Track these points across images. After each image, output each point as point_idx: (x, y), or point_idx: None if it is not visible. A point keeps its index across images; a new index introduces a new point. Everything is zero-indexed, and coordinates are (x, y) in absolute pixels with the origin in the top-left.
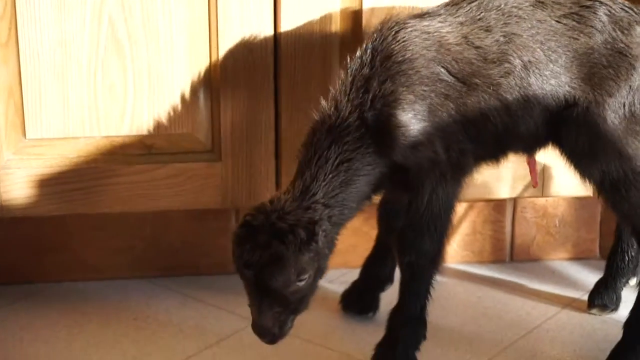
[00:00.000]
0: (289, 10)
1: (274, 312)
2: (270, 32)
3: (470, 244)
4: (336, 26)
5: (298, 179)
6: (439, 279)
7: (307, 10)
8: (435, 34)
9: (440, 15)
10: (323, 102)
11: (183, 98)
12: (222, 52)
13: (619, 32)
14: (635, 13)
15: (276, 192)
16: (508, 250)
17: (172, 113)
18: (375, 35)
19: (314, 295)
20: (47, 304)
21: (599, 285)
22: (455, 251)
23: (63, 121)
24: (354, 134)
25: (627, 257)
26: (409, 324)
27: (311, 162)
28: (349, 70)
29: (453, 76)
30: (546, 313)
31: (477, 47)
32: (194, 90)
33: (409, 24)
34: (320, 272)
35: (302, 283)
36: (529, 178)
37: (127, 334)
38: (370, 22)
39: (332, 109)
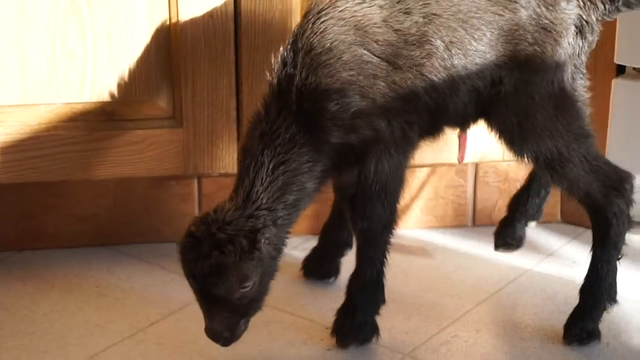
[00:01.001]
0: None
1: (223, 317)
2: None
3: (433, 208)
4: None
5: (239, 186)
6: (401, 243)
7: None
8: (351, 18)
9: None
10: (259, 107)
11: (143, 64)
12: (182, 17)
13: (543, 8)
14: None
15: (221, 201)
16: (470, 215)
17: (132, 79)
18: (295, 30)
19: (266, 296)
20: (8, 272)
21: (503, 224)
22: (418, 216)
23: (22, 88)
24: (284, 136)
25: (531, 201)
26: (366, 289)
27: (249, 169)
28: (273, 72)
29: (377, 57)
30: (507, 277)
31: (397, 30)
32: (154, 56)
33: (324, 13)
34: (268, 274)
35: (247, 289)
36: (491, 143)
37: (90, 301)
38: None
39: (263, 113)
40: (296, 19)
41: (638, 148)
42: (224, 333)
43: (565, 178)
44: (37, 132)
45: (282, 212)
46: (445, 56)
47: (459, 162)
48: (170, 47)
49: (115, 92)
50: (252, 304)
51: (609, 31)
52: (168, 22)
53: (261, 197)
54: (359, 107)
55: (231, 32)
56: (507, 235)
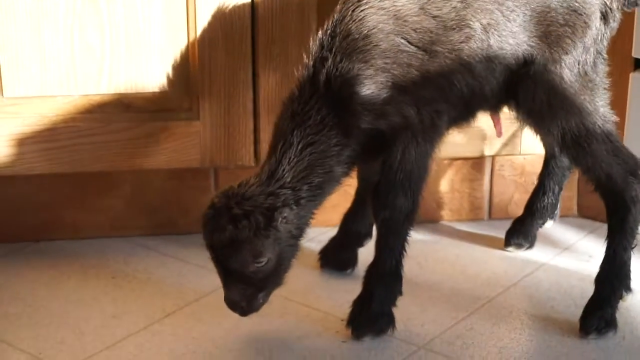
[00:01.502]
0: None
1: (239, 288)
2: None
3: (449, 202)
4: None
5: (266, 163)
6: (417, 237)
7: None
8: (391, 8)
9: None
10: (293, 87)
11: (161, 56)
12: (200, 9)
13: None
14: None
15: (247, 176)
16: (486, 209)
17: (150, 71)
18: (334, 15)
19: (286, 272)
20: (25, 263)
21: (515, 224)
22: (433, 209)
23: (40, 79)
24: (315, 117)
25: (547, 200)
26: (384, 280)
27: (277, 147)
28: (310, 54)
29: (414, 45)
30: (523, 270)
31: (435, 17)
32: (172, 48)
33: (365, 1)
34: (288, 252)
35: (261, 265)
36: (507, 136)
37: (106, 292)
38: None
39: (297, 93)
40: (313, 11)
41: None
42: (240, 303)
43: (591, 155)
44: (55, 124)
45: (306, 193)
46: (483, 37)
47: (498, 137)
48: (187, 40)
49: (133, 84)
50: (269, 279)
51: (627, 25)
52: (185, 15)
53: (285, 175)
54: (390, 94)
55: (248, 25)
56: (521, 236)
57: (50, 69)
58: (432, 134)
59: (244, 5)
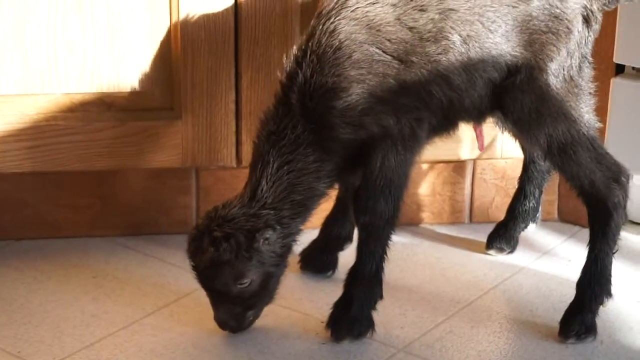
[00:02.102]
0: None
1: (227, 308)
2: None
3: (430, 205)
4: None
5: (248, 183)
6: (398, 239)
7: None
8: (363, 18)
9: None
10: (270, 105)
11: (143, 56)
12: (183, 9)
13: None
14: None
15: (231, 197)
16: (467, 212)
17: (132, 71)
18: (309, 29)
19: (276, 290)
20: (5, 261)
21: (498, 228)
22: (414, 212)
23: (22, 77)
24: (290, 136)
25: (528, 204)
26: (365, 283)
27: (256, 167)
28: (285, 71)
29: (389, 55)
30: (503, 274)
31: (411, 28)
32: (154, 48)
33: (335, 12)
34: (275, 271)
35: (244, 286)
36: (489, 139)
37: (86, 291)
38: None
39: (273, 111)
40: (297, 11)
41: (636, 148)
42: (229, 322)
43: (576, 163)
44: (36, 122)
45: (289, 212)
46: (463, 50)
47: (480, 151)
48: (170, 39)
49: (115, 83)
50: (256, 298)
51: (608, 30)
52: (169, 14)
53: (266, 196)
54: (368, 105)
55: (231, 24)
56: (503, 240)
57: (32, 67)
58: (412, 143)
59: (227, 4)
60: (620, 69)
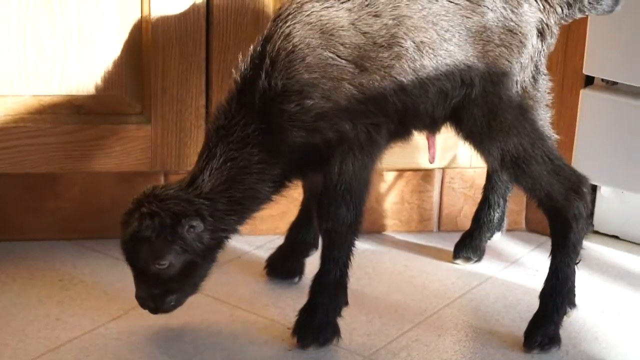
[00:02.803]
0: None
1: (145, 287)
2: None
3: (398, 213)
4: None
5: (192, 170)
6: (366, 247)
7: None
8: (317, 22)
9: (328, 1)
10: (222, 101)
11: (113, 59)
12: (154, 13)
13: (509, 11)
14: None
15: (174, 180)
16: (435, 220)
17: (102, 74)
18: (264, 33)
19: (201, 281)
20: None
21: (464, 237)
22: (383, 219)
23: None
24: (239, 133)
25: (493, 213)
26: (329, 290)
27: (201, 157)
28: (239, 70)
29: (343, 59)
30: (470, 283)
31: (365, 33)
32: (125, 51)
33: (291, 17)
34: (202, 262)
35: (163, 267)
36: (457, 149)
37: (52, 294)
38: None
39: (225, 107)
40: (268, 17)
41: (604, 159)
42: (146, 301)
43: (530, 176)
44: (4, 124)
45: (224, 206)
46: (416, 57)
47: (431, 163)
48: (141, 43)
49: (85, 86)
50: (178, 283)
51: (578, 42)
52: (140, 18)
53: (204, 185)
54: (322, 110)
55: (203, 30)
56: (470, 250)
57: (1, 68)
58: (370, 148)
59: (199, 10)
60: (589, 81)
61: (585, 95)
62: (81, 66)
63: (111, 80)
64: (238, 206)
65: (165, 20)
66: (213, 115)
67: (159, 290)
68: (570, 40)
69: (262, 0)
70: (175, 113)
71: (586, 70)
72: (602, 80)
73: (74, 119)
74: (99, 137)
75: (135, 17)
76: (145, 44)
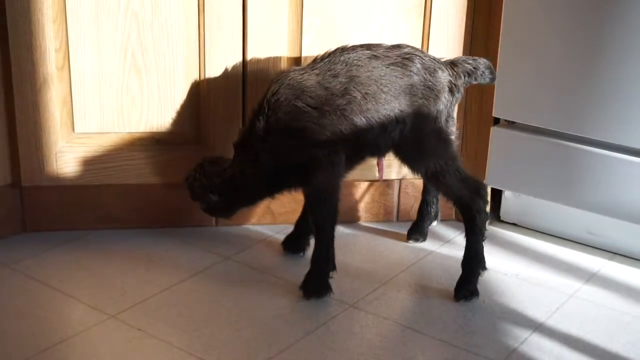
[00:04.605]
0: (252, 52)
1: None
2: (240, 66)
3: (370, 208)
4: (283, 62)
5: (226, 165)
6: (347, 231)
7: (264, 52)
8: (295, 84)
9: (303, 69)
10: (243, 126)
11: (180, 106)
12: (208, 75)
13: (428, 75)
14: (438, 62)
15: (225, 161)
16: (395, 214)
17: (173, 117)
18: (266, 89)
19: (228, 213)
20: (86, 245)
21: (413, 225)
22: (360, 213)
23: (100, 121)
24: (250, 152)
25: (429, 208)
26: (322, 260)
27: (232, 160)
28: (253, 113)
29: (310, 106)
30: (418, 255)
31: (326, 88)
32: (188, 101)
33: (279, 81)
34: (226, 206)
35: (204, 203)
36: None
37: (141, 264)
38: (307, 56)
39: (245, 129)
40: None
41: (508, 173)
42: (202, 206)
43: (445, 185)
44: (109, 151)
45: (224, 192)
46: (362, 102)
47: (380, 180)
48: (199, 96)
49: (161, 125)
50: (215, 209)
51: (489, 94)
52: (198, 79)
53: (224, 175)
54: (295, 140)
55: (240, 86)
56: (417, 233)
57: (107, 114)
58: (334, 166)
59: (238, 72)
60: (497, 121)
61: (495, 131)
62: (159, 112)
63: (178, 120)
64: (241, 192)
65: (215, 79)
66: (239, 132)
67: (205, 208)
68: (485, 93)
69: (279, 68)
70: (222, 142)
71: (495, 113)
72: (505, 120)
73: (155, 147)
74: (170, 160)
75: (195, 78)
76: (202, 96)
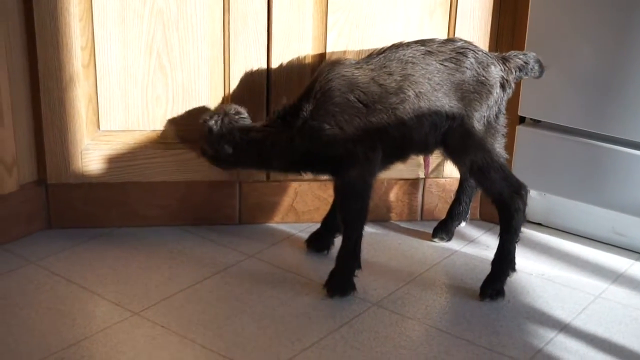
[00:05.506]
0: (277, 51)
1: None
2: (264, 65)
3: (395, 207)
4: (308, 60)
5: (254, 122)
6: (373, 230)
7: (289, 51)
8: (350, 76)
9: (358, 63)
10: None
11: (205, 106)
12: (232, 77)
13: (481, 70)
14: (491, 57)
15: (250, 114)
16: (419, 213)
17: (196, 115)
18: (315, 75)
19: (240, 167)
20: (111, 242)
21: (440, 224)
22: (384, 212)
23: (125, 119)
24: (285, 129)
25: (461, 208)
26: (347, 259)
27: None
28: (295, 100)
29: (361, 102)
30: (443, 254)
31: (381, 85)
32: (212, 100)
33: (333, 70)
34: (228, 159)
35: (212, 149)
36: (434, 165)
37: (165, 262)
38: (332, 52)
39: (273, 117)
40: (308, 78)
41: (532, 172)
42: (206, 150)
43: (489, 180)
44: (134, 148)
45: (242, 152)
46: (415, 102)
47: (425, 176)
48: (223, 94)
49: (185, 123)
50: (219, 160)
51: (516, 93)
52: (222, 80)
53: (250, 137)
54: (339, 133)
55: (264, 88)
56: (443, 232)
57: (132, 112)
58: (368, 163)
59: (261, 74)
60: (522, 120)
61: (520, 130)
62: (183, 110)
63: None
64: (260, 159)
65: (239, 78)
66: (275, 112)
67: (209, 154)
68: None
69: (304, 67)
70: None
71: (520, 112)
72: (531, 119)
73: (179, 145)
74: (194, 157)
75: (219, 77)
76: (226, 95)
